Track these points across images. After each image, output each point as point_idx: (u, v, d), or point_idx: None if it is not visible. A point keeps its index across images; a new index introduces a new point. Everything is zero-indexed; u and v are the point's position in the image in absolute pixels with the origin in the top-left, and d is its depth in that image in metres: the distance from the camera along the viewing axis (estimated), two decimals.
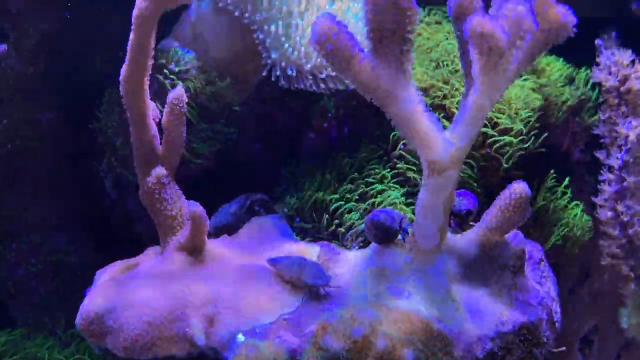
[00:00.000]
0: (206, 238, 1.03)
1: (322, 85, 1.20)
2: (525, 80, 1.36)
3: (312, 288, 0.97)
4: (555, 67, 1.45)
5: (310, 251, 1.07)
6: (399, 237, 1.02)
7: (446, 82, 1.25)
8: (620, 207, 1.16)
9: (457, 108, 1.16)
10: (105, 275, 1.05)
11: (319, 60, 1.18)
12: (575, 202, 1.33)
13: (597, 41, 1.25)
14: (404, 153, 1.21)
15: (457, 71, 1.29)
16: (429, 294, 0.98)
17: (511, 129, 1.22)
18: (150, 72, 1.01)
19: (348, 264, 1.05)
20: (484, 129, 1.21)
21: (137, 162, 1.06)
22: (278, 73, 1.20)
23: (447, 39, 1.37)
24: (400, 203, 1.12)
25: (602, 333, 1.42)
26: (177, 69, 1.25)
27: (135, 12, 0.97)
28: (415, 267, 1.00)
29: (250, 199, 1.24)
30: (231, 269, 1.01)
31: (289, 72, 1.18)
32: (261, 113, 1.47)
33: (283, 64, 1.18)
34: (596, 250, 1.27)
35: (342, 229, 1.11)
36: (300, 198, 1.18)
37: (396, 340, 0.91)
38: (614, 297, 1.30)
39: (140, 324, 0.90)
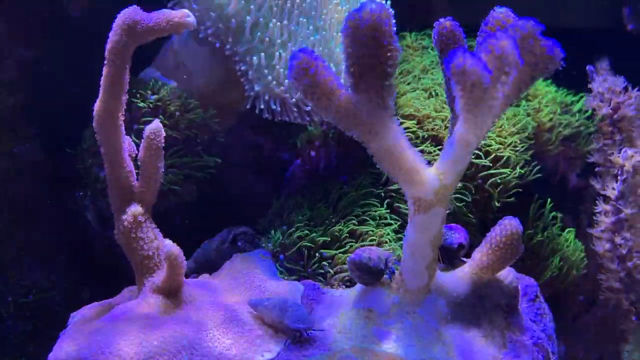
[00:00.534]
0: (183, 279, 0.98)
1: (307, 118, 1.17)
2: (517, 106, 1.32)
3: (294, 332, 0.92)
4: (549, 92, 1.42)
5: (294, 291, 1.02)
6: (386, 276, 0.97)
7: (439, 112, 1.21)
8: (617, 240, 1.12)
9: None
10: (79, 318, 1.01)
11: None
12: (568, 230, 1.29)
13: (589, 67, 1.22)
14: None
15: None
16: (418, 336, 0.93)
17: (503, 157, 1.19)
18: (129, 102, 0.98)
19: (334, 304, 1.00)
20: (476, 160, 1.17)
21: (112, 199, 1.02)
22: (262, 106, 1.16)
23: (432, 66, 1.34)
24: (390, 241, 1.08)
25: None
26: (156, 99, 1.22)
27: (108, 46, 0.94)
28: (403, 308, 0.95)
29: (233, 232, 1.20)
30: (209, 312, 0.96)
31: (273, 106, 1.15)
32: (247, 142, 1.44)
33: (267, 96, 1.15)
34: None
35: (328, 268, 1.07)
36: (286, 233, 1.14)
37: None
38: (618, 329, 1.25)
39: None
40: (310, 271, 1.08)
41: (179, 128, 1.23)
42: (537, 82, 1.41)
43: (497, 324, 0.97)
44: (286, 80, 1.13)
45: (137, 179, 1.02)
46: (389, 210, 1.16)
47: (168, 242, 0.96)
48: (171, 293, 0.97)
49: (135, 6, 0.93)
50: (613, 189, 1.13)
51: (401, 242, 1.08)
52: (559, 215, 1.30)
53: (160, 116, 1.21)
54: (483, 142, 1.19)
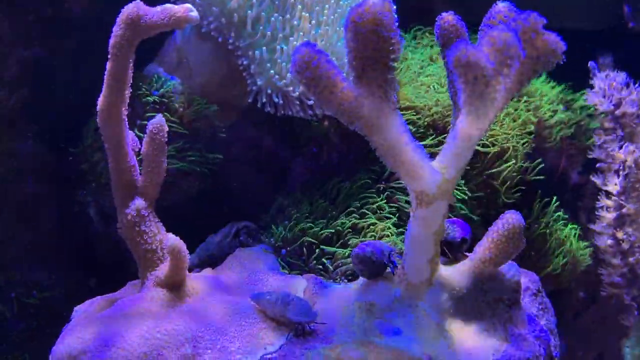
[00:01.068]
0: (186, 273, 0.98)
1: (310, 112, 1.17)
2: (518, 101, 1.33)
3: (297, 325, 0.92)
4: (550, 88, 1.42)
5: (297, 285, 1.02)
6: (389, 270, 0.98)
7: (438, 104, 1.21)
8: (620, 235, 1.12)
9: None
10: (83, 312, 1.01)
11: None
12: (571, 226, 1.29)
13: (591, 63, 1.22)
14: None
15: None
16: (420, 330, 0.94)
17: (505, 153, 1.19)
18: (133, 98, 0.98)
19: (336, 298, 1.01)
20: (481, 148, 1.17)
21: (115, 194, 1.02)
22: (264, 100, 1.17)
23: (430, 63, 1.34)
24: (392, 235, 1.08)
25: None
26: (159, 95, 1.22)
27: (112, 40, 0.94)
28: (406, 301, 0.96)
29: (236, 226, 1.20)
30: (212, 305, 0.96)
31: (275, 100, 1.15)
32: (250, 137, 1.44)
33: (269, 90, 1.15)
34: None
35: (330, 262, 1.07)
36: (288, 227, 1.14)
37: None
38: (619, 325, 1.25)
39: None
40: (312, 265, 1.08)
41: (183, 123, 1.23)
42: (539, 78, 1.42)
43: (499, 318, 0.97)
44: (288, 74, 1.13)
45: (140, 174, 1.03)
46: (385, 201, 1.16)
47: (171, 235, 0.96)
48: (174, 286, 0.97)
49: (138, 1, 0.94)
50: (615, 184, 1.13)
51: (402, 236, 1.08)
52: (562, 213, 1.30)
53: (165, 113, 1.21)
54: (483, 138, 1.20)
